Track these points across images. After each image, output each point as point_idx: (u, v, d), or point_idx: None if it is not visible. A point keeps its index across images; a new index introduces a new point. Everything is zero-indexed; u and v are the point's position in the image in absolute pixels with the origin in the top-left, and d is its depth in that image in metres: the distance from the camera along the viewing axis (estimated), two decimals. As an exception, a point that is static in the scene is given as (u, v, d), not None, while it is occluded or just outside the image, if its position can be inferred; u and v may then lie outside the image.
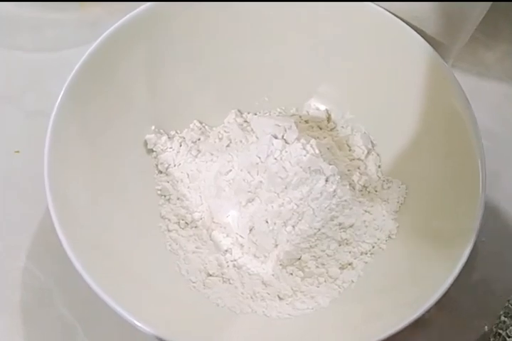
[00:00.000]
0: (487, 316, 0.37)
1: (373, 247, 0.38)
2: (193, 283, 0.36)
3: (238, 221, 0.37)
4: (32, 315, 0.38)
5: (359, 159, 0.40)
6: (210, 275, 0.37)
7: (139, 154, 0.39)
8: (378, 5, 0.37)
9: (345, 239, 0.37)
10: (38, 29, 0.47)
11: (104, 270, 0.32)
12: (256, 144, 0.38)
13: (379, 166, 0.40)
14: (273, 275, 0.37)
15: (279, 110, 0.43)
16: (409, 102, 0.38)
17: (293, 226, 0.36)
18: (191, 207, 0.39)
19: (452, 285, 0.32)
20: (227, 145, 0.40)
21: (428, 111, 0.38)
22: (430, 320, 0.38)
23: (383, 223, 0.38)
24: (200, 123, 0.41)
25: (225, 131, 0.41)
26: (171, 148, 0.40)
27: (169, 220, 0.38)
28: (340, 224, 0.37)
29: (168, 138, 0.40)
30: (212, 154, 0.40)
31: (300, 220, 0.36)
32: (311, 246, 0.37)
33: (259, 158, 0.37)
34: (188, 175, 0.39)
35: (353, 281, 0.37)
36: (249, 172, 0.37)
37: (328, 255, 0.37)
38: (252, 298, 0.36)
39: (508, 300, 0.35)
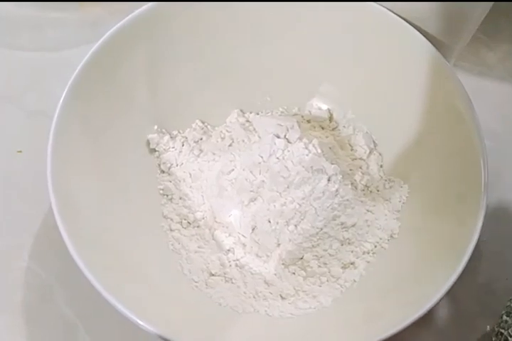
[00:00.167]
0: (489, 315, 0.37)
1: (375, 247, 0.38)
2: (196, 282, 0.36)
3: (240, 220, 0.37)
4: (34, 313, 0.38)
5: (361, 159, 0.41)
6: (213, 275, 0.37)
7: (142, 154, 0.39)
8: (381, 5, 0.37)
9: (348, 238, 0.37)
10: (39, 29, 0.47)
11: (106, 268, 0.32)
12: (258, 144, 0.38)
13: (381, 166, 0.40)
14: (275, 274, 0.37)
15: (281, 110, 0.43)
16: (411, 102, 0.38)
17: (295, 226, 0.36)
18: (193, 206, 0.39)
19: (454, 284, 0.32)
20: (230, 145, 0.40)
21: (430, 110, 0.38)
22: (432, 319, 0.38)
23: (385, 222, 0.38)
24: (203, 122, 0.41)
25: (227, 131, 0.41)
26: (173, 147, 0.40)
27: (171, 220, 0.38)
28: (342, 223, 0.37)
29: (171, 137, 0.40)
30: (214, 154, 0.40)
31: (302, 219, 0.36)
32: (313, 246, 0.37)
33: (262, 157, 0.37)
34: (190, 174, 0.39)
35: (355, 281, 0.37)
36: (251, 172, 0.37)
37: (330, 254, 0.37)
38: (254, 297, 0.36)
39: (510, 300, 0.35)
